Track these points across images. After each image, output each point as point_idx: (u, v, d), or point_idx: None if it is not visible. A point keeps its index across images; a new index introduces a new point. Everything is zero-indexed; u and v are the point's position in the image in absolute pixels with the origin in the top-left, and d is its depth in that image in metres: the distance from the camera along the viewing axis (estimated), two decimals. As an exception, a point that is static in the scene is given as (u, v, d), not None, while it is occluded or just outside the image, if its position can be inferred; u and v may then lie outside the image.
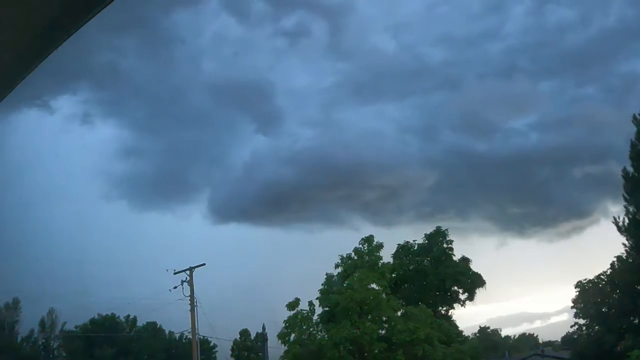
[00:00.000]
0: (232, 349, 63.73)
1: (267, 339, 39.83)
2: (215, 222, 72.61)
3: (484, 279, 42.48)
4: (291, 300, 34.17)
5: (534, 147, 60.64)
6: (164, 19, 63.28)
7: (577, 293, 43.88)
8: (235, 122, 65.54)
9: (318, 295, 34.51)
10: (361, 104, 71.31)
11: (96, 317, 57.76)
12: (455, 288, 42.42)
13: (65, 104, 65.36)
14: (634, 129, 37.65)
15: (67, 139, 63.68)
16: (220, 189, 65.00)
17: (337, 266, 35.64)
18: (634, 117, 38.33)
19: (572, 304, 43.92)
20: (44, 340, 57.35)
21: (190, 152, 67.46)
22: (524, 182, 62.32)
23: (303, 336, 33.47)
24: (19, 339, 55.33)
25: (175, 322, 48.63)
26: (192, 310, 38.15)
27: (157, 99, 63.70)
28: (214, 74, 62.96)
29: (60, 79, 49.47)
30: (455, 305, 42.73)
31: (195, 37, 66.39)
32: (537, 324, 77.56)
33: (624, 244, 38.10)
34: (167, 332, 61.92)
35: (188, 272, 38.81)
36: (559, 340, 58.13)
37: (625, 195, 37.79)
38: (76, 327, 57.42)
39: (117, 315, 59.40)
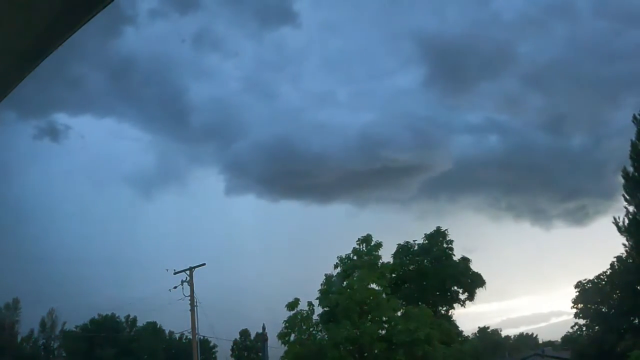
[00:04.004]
0: (232, 349, 63.83)
1: (267, 339, 39.74)
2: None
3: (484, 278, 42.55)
4: (291, 300, 34.19)
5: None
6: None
7: (577, 293, 43.95)
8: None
9: (318, 294, 34.50)
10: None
11: (96, 317, 57.81)
12: (455, 288, 42.41)
13: (65, 102, 65.31)
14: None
15: (67, 137, 63.54)
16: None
17: (336, 266, 35.64)
18: (634, 117, 38.32)
19: (573, 304, 44.05)
20: (44, 340, 57.39)
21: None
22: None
23: (303, 336, 33.43)
24: (19, 339, 55.35)
25: (175, 322, 48.76)
26: (192, 310, 38.14)
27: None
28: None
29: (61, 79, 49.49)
30: (455, 305, 42.75)
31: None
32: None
33: (624, 244, 38.26)
34: (167, 332, 61.99)
35: (188, 272, 38.82)
36: (559, 340, 58.11)
37: (625, 195, 37.82)
38: (76, 327, 57.46)
39: (117, 315, 59.47)
